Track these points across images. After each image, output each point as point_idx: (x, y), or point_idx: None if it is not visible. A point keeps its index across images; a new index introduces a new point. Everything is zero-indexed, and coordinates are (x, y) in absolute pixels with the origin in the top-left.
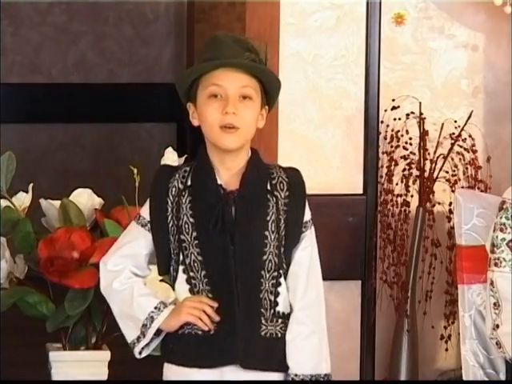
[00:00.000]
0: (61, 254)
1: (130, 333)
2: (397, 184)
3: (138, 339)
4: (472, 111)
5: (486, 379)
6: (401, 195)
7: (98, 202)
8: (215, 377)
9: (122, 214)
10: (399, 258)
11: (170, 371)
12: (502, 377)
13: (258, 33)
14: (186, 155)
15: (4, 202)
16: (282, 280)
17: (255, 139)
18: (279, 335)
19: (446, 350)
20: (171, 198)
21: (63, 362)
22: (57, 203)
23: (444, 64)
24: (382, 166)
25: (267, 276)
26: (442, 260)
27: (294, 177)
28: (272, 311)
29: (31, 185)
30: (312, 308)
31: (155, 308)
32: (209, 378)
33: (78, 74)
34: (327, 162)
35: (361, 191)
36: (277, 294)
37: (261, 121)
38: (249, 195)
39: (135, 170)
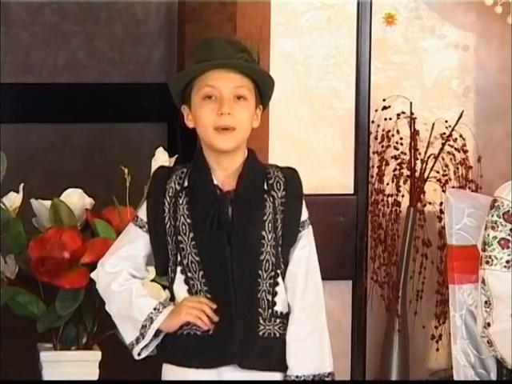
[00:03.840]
0: (51, 254)
1: (128, 334)
2: (388, 184)
3: (137, 340)
4: (463, 111)
5: (477, 379)
6: (392, 195)
7: (88, 202)
8: (213, 377)
9: (112, 214)
10: (390, 258)
11: (169, 371)
12: (493, 377)
13: (248, 33)
14: (176, 155)
15: None
16: (279, 280)
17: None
18: (277, 335)
19: (437, 349)
20: (168, 199)
21: (54, 362)
22: (47, 203)
23: (435, 64)
24: (372, 166)
25: (264, 276)
26: (432, 260)
27: (290, 176)
28: (270, 311)
29: (22, 185)
30: (311, 308)
31: (154, 309)
32: (207, 378)
33: (69, 73)
34: (318, 161)
35: (352, 191)
36: (274, 294)
37: (255, 120)
38: (245, 195)
39: (126, 170)
